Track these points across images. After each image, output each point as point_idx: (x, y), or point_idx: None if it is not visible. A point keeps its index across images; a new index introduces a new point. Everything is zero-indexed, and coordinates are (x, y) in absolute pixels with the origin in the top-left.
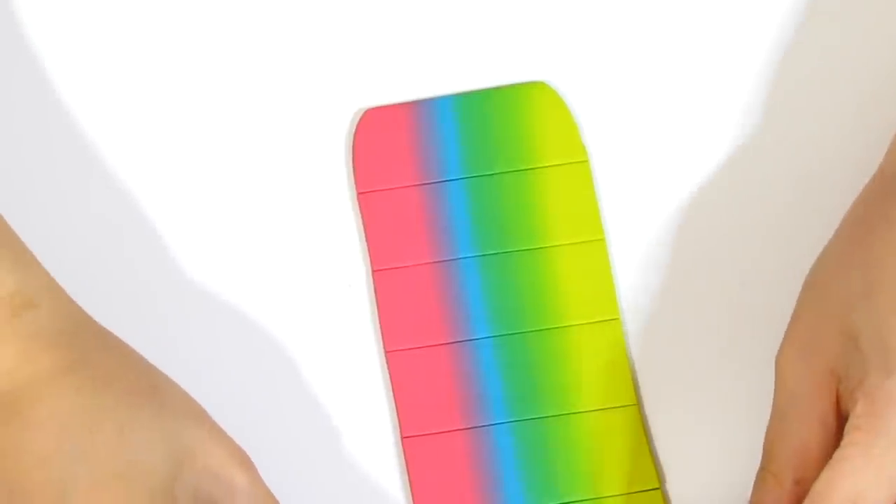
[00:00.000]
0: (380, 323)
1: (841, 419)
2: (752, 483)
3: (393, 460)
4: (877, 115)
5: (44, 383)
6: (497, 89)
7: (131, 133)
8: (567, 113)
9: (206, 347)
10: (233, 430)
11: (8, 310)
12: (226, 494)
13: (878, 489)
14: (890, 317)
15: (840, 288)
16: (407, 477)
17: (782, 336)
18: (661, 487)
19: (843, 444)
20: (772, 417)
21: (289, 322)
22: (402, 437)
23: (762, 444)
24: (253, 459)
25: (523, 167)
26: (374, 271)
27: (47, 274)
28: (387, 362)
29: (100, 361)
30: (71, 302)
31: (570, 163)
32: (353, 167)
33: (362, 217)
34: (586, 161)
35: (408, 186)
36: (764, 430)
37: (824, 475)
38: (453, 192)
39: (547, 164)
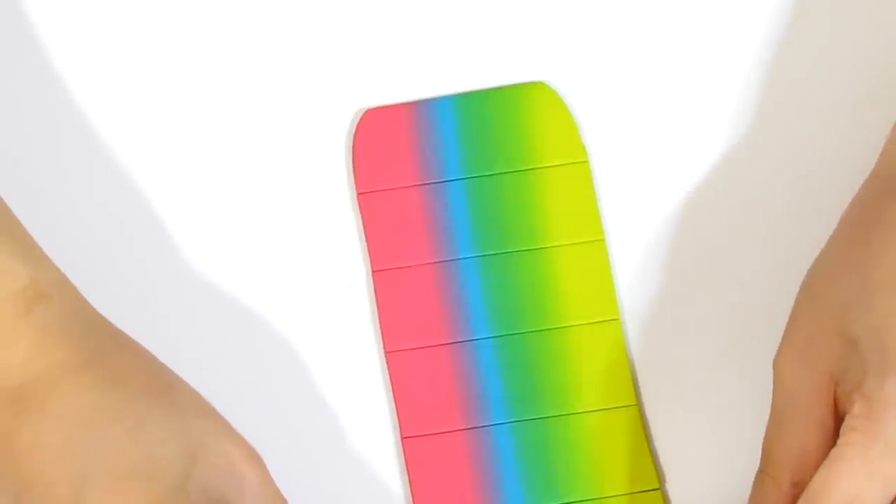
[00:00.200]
0: (380, 323)
1: (839, 421)
2: (752, 482)
3: (393, 460)
4: (873, 115)
5: (57, 379)
6: (497, 89)
7: (131, 133)
8: (567, 113)
9: (207, 347)
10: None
11: (21, 303)
12: (237, 491)
13: (872, 490)
14: (888, 319)
15: (838, 291)
16: (407, 477)
17: (781, 335)
18: (661, 487)
19: (839, 444)
20: (770, 419)
21: (289, 322)
22: (402, 437)
23: (761, 445)
24: None
25: (523, 167)
26: (374, 271)
27: (58, 270)
28: (387, 362)
29: (112, 359)
30: (82, 299)
31: (570, 163)
32: (353, 167)
33: (362, 217)
34: (586, 161)
35: (408, 186)
36: (764, 430)
37: (820, 475)
38: (453, 193)
39: (547, 164)
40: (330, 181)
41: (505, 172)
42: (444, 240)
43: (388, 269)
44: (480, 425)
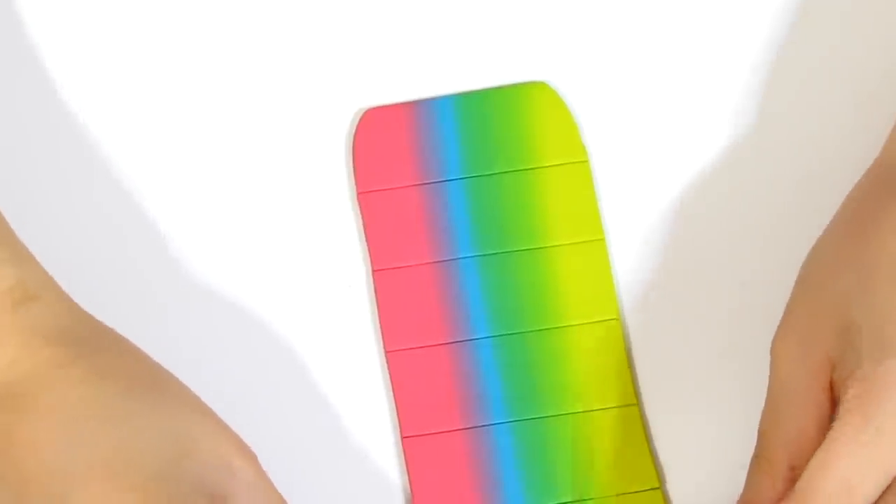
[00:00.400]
0: (380, 323)
1: (835, 407)
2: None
3: (393, 460)
4: (874, 115)
5: (46, 375)
6: (497, 89)
7: (131, 132)
8: (567, 113)
9: (206, 347)
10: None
11: (9, 302)
12: (228, 485)
13: (869, 473)
14: (886, 305)
15: (836, 279)
16: (407, 477)
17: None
18: (661, 487)
19: (834, 426)
20: (766, 404)
21: (289, 322)
22: (402, 437)
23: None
24: None
25: (523, 167)
26: (374, 271)
27: (44, 271)
28: (387, 362)
29: (100, 355)
30: (69, 299)
31: (570, 163)
32: (353, 167)
33: (362, 217)
34: (586, 161)
35: (408, 186)
36: None
37: (816, 458)
38: (453, 192)
39: (547, 164)
40: (330, 181)
41: (505, 172)
42: (444, 239)
43: (388, 269)
44: (480, 425)
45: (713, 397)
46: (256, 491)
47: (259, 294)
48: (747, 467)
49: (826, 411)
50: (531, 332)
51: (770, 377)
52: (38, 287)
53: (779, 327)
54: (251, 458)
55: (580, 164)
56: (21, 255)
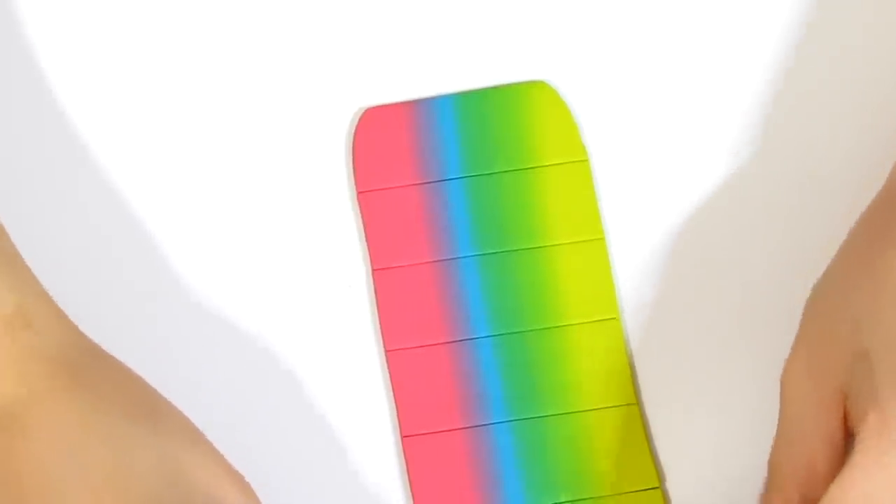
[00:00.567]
0: (380, 323)
1: (848, 437)
2: (752, 482)
3: (393, 460)
4: (883, 122)
5: (45, 400)
6: (497, 89)
7: (130, 133)
8: (567, 113)
9: (206, 347)
10: (232, 430)
11: (7, 329)
12: None
13: (890, 499)
14: None
15: (847, 306)
16: (407, 477)
17: (781, 334)
18: (661, 487)
19: (854, 453)
20: (777, 436)
21: (289, 322)
22: (402, 437)
23: (766, 452)
24: (252, 459)
25: (523, 167)
26: (374, 271)
27: (46, 293)
28: (387, 362)
29: (99, 381)
30: (68, 321)
31: (570, 162)
32: (353, 167)
33: (362, 217)
34: (586, 161)
35: (408, 186)
36: (764, 429)
37: (836, 484)
38: (453, 192)
39: (547, 164)
40: (330, 180)
41: (505, 171)
42: (444, 239)
43: (388, 269)
44: (480, 424)
45: (713, 397)
46: None
47: (259, 294)
48: (747, 467)
49: (839, 442)
50: (531, 331)
51: (781, 409)
52: (39, 312)
53: (788, 357)
54: (244, 488)
55: (580, 163)
56: (23, 278)
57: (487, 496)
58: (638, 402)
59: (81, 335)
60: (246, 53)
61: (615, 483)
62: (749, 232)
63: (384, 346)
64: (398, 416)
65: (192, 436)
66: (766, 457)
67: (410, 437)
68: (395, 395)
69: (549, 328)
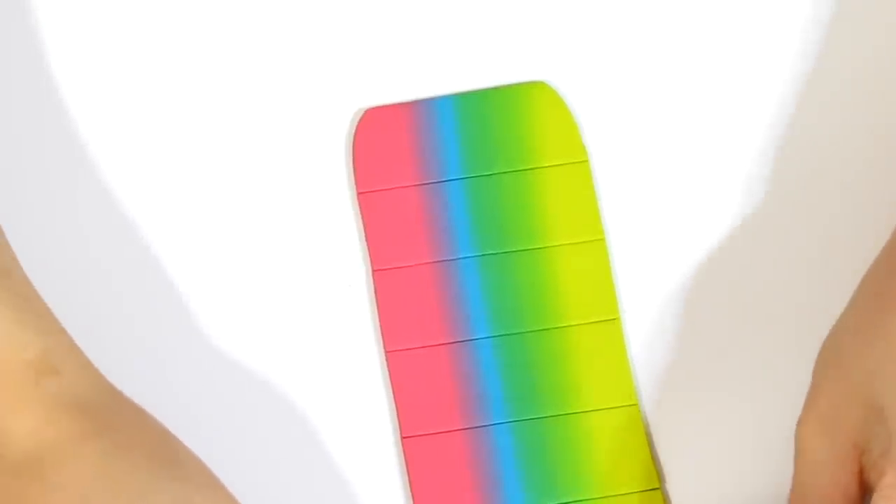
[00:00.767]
0: (380, 323)
1: (864, 491)
2: (752, 482)
3: (393, 460)
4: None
5: (64, 448)
6: (497, 89)
7: (130, 133)
8: (567, 113)
9: (205, 347)
10: (232, 429)
11: (33, 374)
12: None
13: None
14: None
15: (861, 358)
16: (407, 477)
17: (781, 335)
18: (661, 487)
19: None
20: (793, 490)
21: (289, 322)
22: (402, 437)
23: (765, 453)
24: (252, 459)
25: (523, 167)
26: (374, 271)
27: (69, 338)
28: (387, 362)
29: (121, 429)
30: (92, 367)
31: (570, 163)
32: (353, 167)
33: (362, 217)
34: (586, 161)
35: (408, 186)
36: (764, 429)
37: None
38: (453, 192)
39: (547, 164)
40: (330, 181)
41: (505, 172)
42: (444, 239)
43: (388, 269)
44: (480, 425)
45: (713, 397)
46: None
47: (258, 294)
48: (747, 467)
49: (855, 496)
50: (531, 332)
51: (796, 461)
52: (61, 357)
53: (803, 410)
54: None
55: (580, 164)
56: (47, 322)
57: (487, 497)
58: (638, 403)
59: (103, 378)
60: (246, 54)
61: (615, 484)
62: (750, 232)
63: (384, 347)
64: (398, 416)
65: (209, 480)
66: (766, 457)
67: (410, 438)
68: (395, 395)
69: (549, 329)
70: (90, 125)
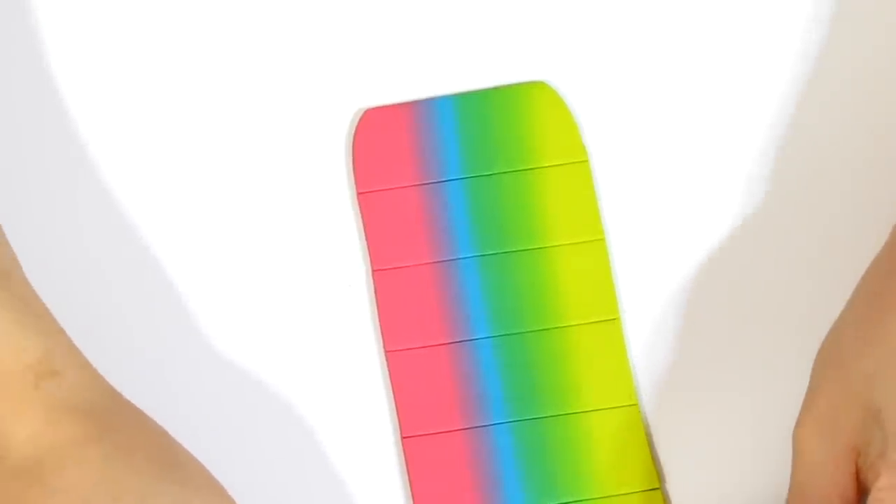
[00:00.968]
0: (380, 323)
1: (861, 492)
2: (752, 482)
3: (393, 460)
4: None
5: (65, 452)
6: (497, 89)
7: (130, 133)
8: (567, 113)
9: (205, 347)
10: (231, 430)
11: (31, 377)
12: None
13: None
14: None
15: (859, 361)
16: (407, 477)
17: (782, 335)
18: (661, 487)
19: None
20: (791, 492)
21: (289, 322)
22: (402, 437)
23: (765, 453)
24: (252, 459)
25: (523, 167)
26: (374, 271)
27: (69, 339)
28: (387, 362)
29: (121, 432)
30: (92, 370)
31: (570, 163)
32: (353, 167)
33: (362, 217)
34: (586, 161)
35: (408, 186)
36: (764, 430)
37: None
38: (453, 192)
39: (547, 164)
40: (330, 181)
41: (505, 172)
42: (444, 239)
43: (388, 269)
44: (480, 425)
45: (713, 397)
46: None
47: (259, 294)
48: (747, 467)
49: (851, 499)
50: (531, 332)
51: (793, 462)
52: (62, 360)
53: (801, 412)
54: None
55: (580, 164)
56: (47, 325)
57: (487, 497)
58: (638, 403)
59: (103, 380)
60: (246, 54)
61: (615, 484)
62: (750, 232)
63: (384, 347)
64: (398, 416)
65: (208, 482)
66: (766, 457)
67: (410, 438)
68: (395, 395)
69: (549, 329)
70: (90, 125)
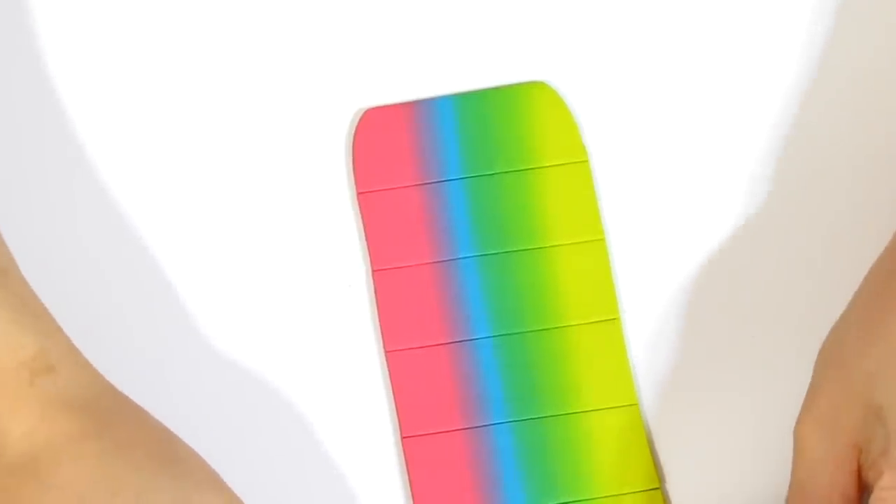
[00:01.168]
0: (380, 323)
1: (862, 491)
2: (752, 482)
3: (393, 460)
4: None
5: (62, 448)
6: (497, 89)
7: (130, 134)
8: (567, 113)
9: (205, 347)
10: (231, 429)
11: (28, 373)
12: None
13: None
14: None
15: (861, 359)
16: (407, 477)
17: (782, 335)
18: (661, 487)
19: None
20: (791, 489)
21: (289, 322)
22: (402, 437)
23: (765, 453)
24: (251, 460)
25: (523, 167)
26: (374, 271)
27: (66, 337)
28: (387, 362)
29: (120, 428)
30: (90, 367)
31: (570, 163)
32: (353, 167)
33: (362, 217)
34: (586, 161)
35: (408, 186)
36: (764, 429)
37: None
38: (453, 192)
39: (547, 164)
40: (330, 181)
41: (505, 172)
42: (444, 239)
43: (388, 269)
44: (480, 425)
45: (713, 397)
46: None
47: (259, 294)
48: (747, 467)
49: (852, 497)
50: (531, 332)
51: (794, 459)
52: (58, 356)
53: (802, 410)
54: None
55: (580, 164)
56: (44, 322)
57: (487, 497)
58: (638, 403)
59: (101, 377)
60: (246, 54)
61: (615, 484)
62: (750, 232)
63: (384, 347)
64: (398, 416)
65: (209, 477)
66: (766, 457)
67: (410, 438)
68: (395, 395)
69: (549, 329)
70: (89, 125)
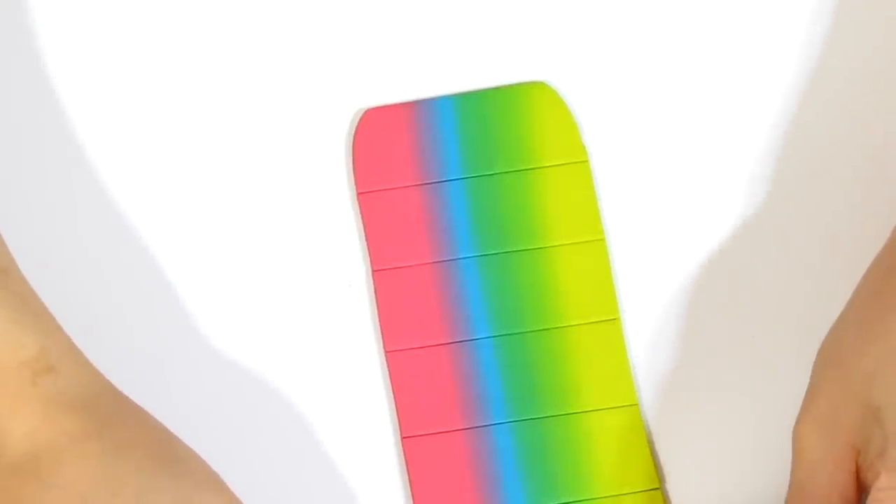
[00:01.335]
0: (380, 323)
1: (860, 491)
2: (751, 482)
3: (393, 460)
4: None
5: (63, 448)
6: (497, 89)
7: (130, 134)
8: (567, 113)
9: (205, 347)
10: (231, 429)
11: (30, 373)
12: None
13: None
14: None
15: (860, 359)
16: (407, 477)
17: (782, 335)
18: (661, 487)
19: None
20: (791, 491)
21: (289, 322)
22: (402, 437)
23: (765, 452)
24: (251, 460)
25: (523, 167)
26: (374, 271)
27: (67, 338)
28: (387, 362)
29: (120, 428)
30: (90, 366)
31: (570, 163)
32: (353, 167)
33: (362, 217)
34: (586, 161)
35: (408, 186)
36: (764, 429)
37: None
38: (453, 192)
39: (547, 164)
40: (330, 181)
41: (505, 172)
42: (444, 239)
43: (388, 269)
44: (480, 425)
45: (713, 397)
46: None
47: (259, 294)
48: (747, 467)
49: (851, 498)
50: (531, 332)
51: (793, 460)
52: (60, 356)
53: (801, 411)
54: None
55: (580, 164)
56: (45, 322)
57: (487, 497)
58: (638, 403)
59: (101, 377)
60: (246, 54)
61: (615, 484)
62: (750, 232)
63: (384, 347)
64: (398, 416)
65: (209, 477)
66: (766, 457)
67: (410, 438)
68: (395, 395)
69: (549, 329)
70: (89, 125)
